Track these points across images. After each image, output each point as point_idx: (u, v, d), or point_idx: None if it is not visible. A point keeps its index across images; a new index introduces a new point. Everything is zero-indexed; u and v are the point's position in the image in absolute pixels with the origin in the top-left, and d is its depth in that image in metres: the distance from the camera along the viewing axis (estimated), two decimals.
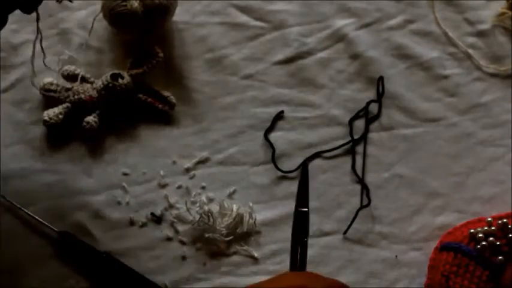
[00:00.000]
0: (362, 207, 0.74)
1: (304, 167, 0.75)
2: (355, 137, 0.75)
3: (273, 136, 0.76)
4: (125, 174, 0.74)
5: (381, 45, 0.77)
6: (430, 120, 0.76)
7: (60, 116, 0.73)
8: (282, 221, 0.74)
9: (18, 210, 0.72)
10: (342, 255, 0.74)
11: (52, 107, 0.74)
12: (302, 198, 0.74)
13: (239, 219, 0.74)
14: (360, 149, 0.76)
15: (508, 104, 0.76)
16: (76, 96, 0.73)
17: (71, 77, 0.74)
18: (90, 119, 0.72)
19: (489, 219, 0.71)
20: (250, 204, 0.74)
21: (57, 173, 0.74)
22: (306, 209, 0.74)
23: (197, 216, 0.73)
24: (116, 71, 0.73)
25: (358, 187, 0.75)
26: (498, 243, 0.70)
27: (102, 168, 0.74)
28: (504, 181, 0.75)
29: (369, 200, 0.74)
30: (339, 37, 0.77)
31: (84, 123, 0.72)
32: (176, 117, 0.75)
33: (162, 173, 0.74)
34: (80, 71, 0.74)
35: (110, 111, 0.74)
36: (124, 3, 0.70)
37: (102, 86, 0.73)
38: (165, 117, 0.75)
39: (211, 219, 0.73)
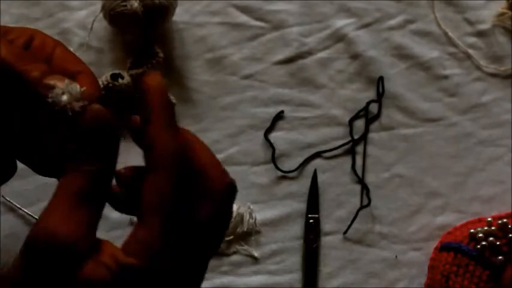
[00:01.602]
0: (362, 207, 0.74)
1: (314, 174, 0.75)
2: (355, 137, 0.75)
3: (273, 136, 0.76)
4: None
5: (381, 45, 0.77)
6: (430, 120, 0.76)
7: None
8: (282, 221, 0.75)
9: (18, 210, 0.72)
10: (342, 255, 0.74)
11: None
12: (312, 204, 0.74)
13: (239, 218, 0.74)
14: (360, 149, 0.76)
15: (508, 104, 0.76)
16: None
17: None
18: None
19: (489, 219, 0.71)
20: (250, 206, 0.74)
21: None
22: (317, 215, 0.74)
23: None
24: (116, 71, 0.73)
25: (358, 187, 0.75)
26: (498, 243, 0.70)
27: None
28: (504, 181, 0.75)
29: (369, 200, 0.74)
30: (339, 37, 0.77)
31: None
32: (176, 117, 0.75)
33: None
34: None
35: (110, 111, 0.74)
36: (124, 3, 0.70)
37: (101, 86, 0.73)
38: None
39: None
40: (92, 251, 0.42)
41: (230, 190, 0.46)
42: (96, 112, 0.44)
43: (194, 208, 0.44)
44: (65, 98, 0.45)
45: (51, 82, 0.46)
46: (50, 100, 0.45)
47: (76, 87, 0.46)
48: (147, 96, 0.45)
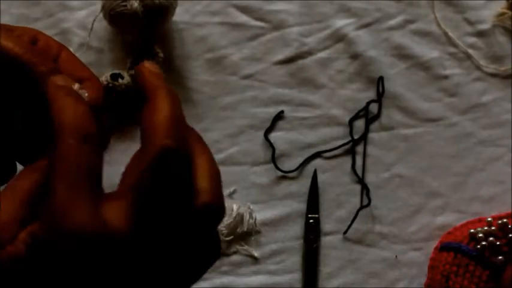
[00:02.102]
0: (362, 207, 0.74)
1: (314, 174, 0.75)
2: (355, 137, 0.75)
3: (273, 136, 0.76)
4: None
5: (381, 45, 0.77)
6: (430, 120, 0.76)
7: None
8: (282, 221, 0.75)
9: None
10: (342, 255, 0.74)
11: None
12: (312, 204, 0.74)
13: (239, 218, 0.74)
14: (360, 149, 0.76)
15: (508, 104, 0.76)
16: None
17: None
18: None
19: (489, 219, 0.71)
20: (250, 206, 0.74)
21: None
22: (317, 215, 0.74)
23: None
24: (116, 71, 0.73)
25: (358, 187, 0.75)
26: (498, 243, 0.70)
27: None
28: (504, 181, 0.75)
29: (369, 200, 0.74)
30: (339, 37, 0.77)
31: None
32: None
33: None
34: None
35: (110, 112, 0.74)
36: (124, 3, 0.70)
37: (101, 86, 0.73)
38: None
39: None
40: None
41: (165, 153, 0.40)
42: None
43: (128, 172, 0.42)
44: None
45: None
46: None
47: (83, 93, 0.45)
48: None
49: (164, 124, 0.41)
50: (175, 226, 0.41)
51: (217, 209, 0.42)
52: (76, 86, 0.45)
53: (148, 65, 0.46)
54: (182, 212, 0.42)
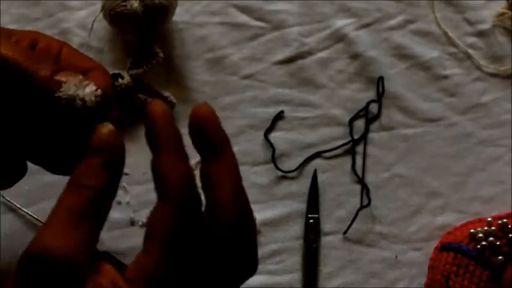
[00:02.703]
0: (362, 207, 0.74)
1: (314, 174, 0.75)
2: (355, 137, 0.75)
3: (273, 136, 0.76)
4: (125, 174, 0.74)
5: (381, 45, 0.77)
6: (430, 120, 0.76)
7: None
8: (282, 221, 0.75)
9: (18, 210, 0.72)
10: (342, 255, 0.74)
11: None
12: (312, 204, 0.74)
13: None
14: (360, 149, 0.76)
15: (508, 104, 0.76)
16: None
17: None
18: None
19: (489, 219, 0.71)
20: None
21: None
22: (317, 215, 0.74)
23: None
24: (116, 71, 0.73)
25: (358, 187, 0.75)
26: (498, 243, 0.70)
27: None
28: (504, 181, 0.75)
29: (369, 200, 0.74)
30: (339, 37, 0.77)
31: None
32: (176, 117, 0.75)
33: None
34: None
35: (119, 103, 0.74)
36: (124, 3, 0.70)
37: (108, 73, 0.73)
38: None
39: None
40: (90, 270, 0.41)
41: (239, 221, 0.44)
42: (109, 131, 0.44)
43: (203, 240, 0.43)
44: (74, 90, 0.45)
45: (63, 78, 0.46)
46: (60, 94, 0.45)
47: (90, 83, 0.45)
48: (154, 124, 0.43)
49: (234, 192, 0.46)
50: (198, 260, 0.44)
51: None
52: (80, 77, 0.46)
53: (210, 109, 0.45)
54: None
